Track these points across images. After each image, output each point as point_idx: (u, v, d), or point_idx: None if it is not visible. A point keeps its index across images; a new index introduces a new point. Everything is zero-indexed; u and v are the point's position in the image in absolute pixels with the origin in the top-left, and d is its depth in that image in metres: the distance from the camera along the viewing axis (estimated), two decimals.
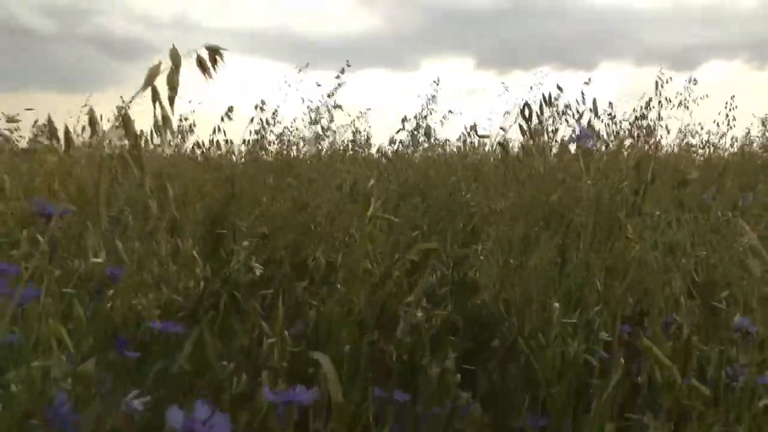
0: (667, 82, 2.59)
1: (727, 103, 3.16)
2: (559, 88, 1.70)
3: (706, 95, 3.32)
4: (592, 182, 1.30)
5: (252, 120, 2.32)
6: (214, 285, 1.43)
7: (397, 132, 2.51)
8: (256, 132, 2.34)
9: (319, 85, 2.74)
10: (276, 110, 2.39)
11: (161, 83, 0.73)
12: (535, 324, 1.25)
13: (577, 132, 1.40)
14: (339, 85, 2.75)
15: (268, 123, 2.33)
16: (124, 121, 0.69)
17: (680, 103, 3.28)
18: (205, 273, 1.47)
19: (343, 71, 2.87)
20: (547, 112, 1.89)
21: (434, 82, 3.12)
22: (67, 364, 0.91)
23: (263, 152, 2.35)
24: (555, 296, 1.24)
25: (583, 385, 1.22)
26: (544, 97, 1.33)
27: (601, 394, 1.17)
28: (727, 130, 3.15)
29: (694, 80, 3.31)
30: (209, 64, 0.77)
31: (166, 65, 0.73)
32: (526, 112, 1.19)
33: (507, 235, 1.61)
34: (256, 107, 2.33)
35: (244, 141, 2.39)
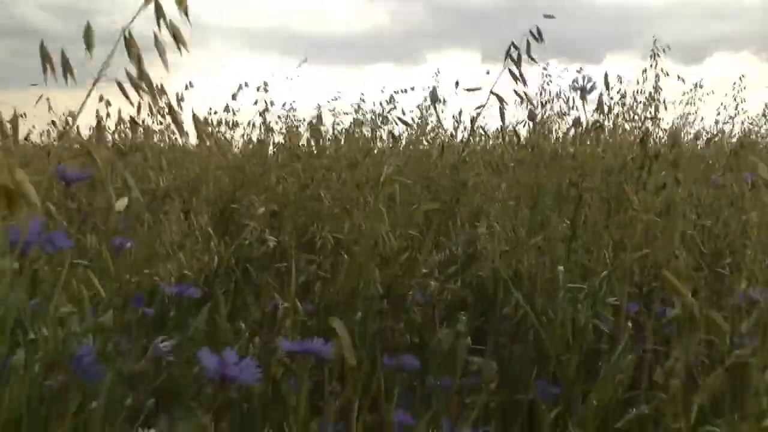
0: (667, 75, 2.59)
1: (735, 83, 3.14)
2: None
3: (712, 91, 3.33)
4: (602, 152, 1.32)
5: (256, 102, 2.35)
6: (227, 259, 1.45)
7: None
8: (261, 113, 2.36)
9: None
10: (273, 102, 2.41)
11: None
12: (544, 294, 1.26)
13: (580, 82, 1.41)
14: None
15: (272, 103, 2.36)
16: (128, 43, 0.66)
17: (687, 102, 3.29)
18: (219, 248, 1.50)
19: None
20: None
21: (435, 74, 3.12)
22: (91, 318, 0.93)
23: (269, 134, 2.37)
24: (564, 265, 1.26)
25: (593, 353, 1.24)
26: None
27: (610, 360, 1.19)
28: (736, 113, 3.13)
29: (701, 84, 3.32)
30: None
31: None
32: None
33: (514, 211, 1.64)
34: (258, 89, 2.36)
35: (249, 123, 2.42)
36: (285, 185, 1.70)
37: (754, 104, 3.70)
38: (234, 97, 2.38)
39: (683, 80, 2.61)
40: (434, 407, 1.14)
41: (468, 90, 1.18)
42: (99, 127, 1.06)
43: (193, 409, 0.98)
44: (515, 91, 1.20)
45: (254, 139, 2.41)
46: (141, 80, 0.68)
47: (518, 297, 1.21)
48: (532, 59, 1.22)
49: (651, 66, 2.29)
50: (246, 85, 2.37)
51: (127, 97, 0.70)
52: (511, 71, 1.21)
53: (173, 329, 1.14)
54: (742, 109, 3.11)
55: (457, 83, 1.18)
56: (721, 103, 3.18)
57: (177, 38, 0.70)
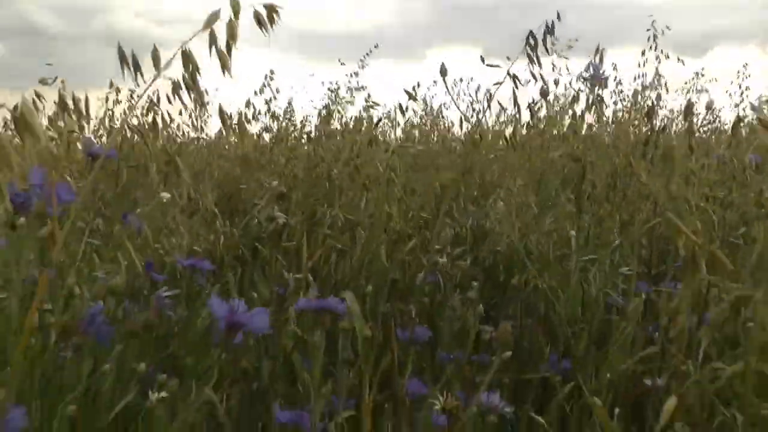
0: (667, 57, 2.55)
1: (739, 71, 3.12)
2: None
3: (716, 79, 3.31)
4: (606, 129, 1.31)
5: (262, 90, 2.36)
6: (234, 238, 1.44)
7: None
8: (266, 102, 2.38)
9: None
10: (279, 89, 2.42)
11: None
12: (555, 267, 1.26)
13: (591, 70, 1.41)
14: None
15: (278, 91, 2.37)
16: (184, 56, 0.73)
17: (688, 91, 3.28)
18: (225, 228, 1.49)
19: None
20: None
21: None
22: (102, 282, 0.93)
23: (273, 121, 2.38)
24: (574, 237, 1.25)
25: (605, 325, 1.23)
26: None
27: (621, 331, 1.18)
28: (740, 100, 3.11)
29: (702, 73, 3.31)
30: (266, 20, 0.80)
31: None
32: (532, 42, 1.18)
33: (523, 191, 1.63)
34: (265, 77, 2.36)
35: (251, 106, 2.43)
36: (294, 165, 1.70)
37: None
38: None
39: (683, 62, 2.58)
40: (446, 376, 1.13)
41: (489, 66, 1.19)
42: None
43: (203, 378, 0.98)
44: (531, 72, 1.21)
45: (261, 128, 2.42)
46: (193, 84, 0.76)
47: (530, 266, 1.21)
48: (546, 49, 1.24)
49: (650, 48, 2.26)
50: (271, 78, 2.37)
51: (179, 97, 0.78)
52: (528, 55, 1.22)
53: (185, 301, 1.14)
54: (747, 96, 3.09)
55: (482, 58, 1.18)
56: (726, 91, 3.17)
57: (223, 63, 0.78)
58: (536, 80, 1.19)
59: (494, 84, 1.20)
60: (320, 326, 0.88)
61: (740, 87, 3.07)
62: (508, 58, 1.18)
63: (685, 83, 3.28)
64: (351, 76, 2.62)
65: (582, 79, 1.61)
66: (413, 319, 1.43)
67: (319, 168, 1.61)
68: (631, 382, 1.24)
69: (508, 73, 1.18)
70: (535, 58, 1.16)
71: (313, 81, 2.97)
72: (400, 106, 1.28)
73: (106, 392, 0.90)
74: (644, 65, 2.35)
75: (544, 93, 1.40)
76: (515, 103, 1.19)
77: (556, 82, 1.89)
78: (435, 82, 3.19)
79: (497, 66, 1.18)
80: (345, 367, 1.08)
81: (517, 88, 1.17)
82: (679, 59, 2.52)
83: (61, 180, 0.83)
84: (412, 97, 1.24)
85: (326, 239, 1.42)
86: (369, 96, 2.40)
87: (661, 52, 2.25)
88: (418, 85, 2.80)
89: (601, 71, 1.61)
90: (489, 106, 1.21)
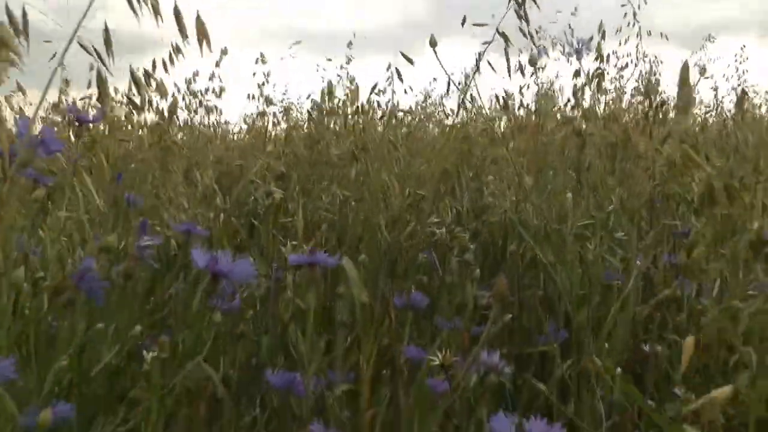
0: (649, 34, 2.50)
1: (736, 54, 3.11)
2: None
3: (712, 75, 3.31)
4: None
5: (254, 74, 2.36)
6: (232, 214, 1.43)
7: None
8: (260, 85, 2.37)
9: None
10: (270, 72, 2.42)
11: None
12: (553, 235, 1.24)
13: (575, 45, 1.40)
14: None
15: (269, 74, 2.37)
16: None
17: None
18: (224, 205, 1.49)
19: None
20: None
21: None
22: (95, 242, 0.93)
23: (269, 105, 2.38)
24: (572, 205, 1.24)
25: (604, 289, 1.22)
26: None
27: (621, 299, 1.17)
28: (738, 84, 3.10)
29: (703, 66, 3.30)
30: None
31: None
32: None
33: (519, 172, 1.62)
34: (257, 61, 2.36)
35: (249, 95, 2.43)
36: (293, 144, 1.69)
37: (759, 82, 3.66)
38: (218, 63, 2.36)
39: (666, 37, 2.54)
40: (442, 339, 1.12)
41: (475, 25, 1.18)
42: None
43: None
44: (520, 29, 1.19)
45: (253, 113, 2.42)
46: None
47: (526, 237, 1.20)
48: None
49: (629, 25, 2.21)
50: (263, 61, 2.36)
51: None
52: (516, 11, 1.21)
53: (180, 269, 1.13)
54: (745, 80, 3.08)
55: (464, 18, 1.17)
56: (723, 75, 3.15)
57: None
58: (526, 37, 1.18)
59: (483, 43, 1.19)
60: (313, 284, 0.87)
61: (737, 70, 3.05)
62: (493, 16, 1.16)
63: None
64: (340, 68, 2.62)
65: (568, 54, 1.60)
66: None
67: (320, 145, 1.60)
68: (631, 351, 1.23)
69: (497, 31, 1.17)
70: (522, 14, 1.15)
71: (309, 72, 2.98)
72: (397, 70, 1.27)
73: (100, 350, 0.89)
74: (625, 42, 2.30)
75: (533, 61, 1.39)
76: (507, 63, 1.18)
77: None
78: (435, 78, 3.21)
79: (484, 24, 1.17)
80: (342, 331, 1.07)
81: (507, 46, 1.16)
82: (662, 35, 2.49)
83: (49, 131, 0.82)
84: (408, 59, 1.23)
85: (322, 212, 1.41)
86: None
87: (640, 29, 2.21)
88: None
89: (585, 46, 1.60)
90: (478, 69, 1.20)
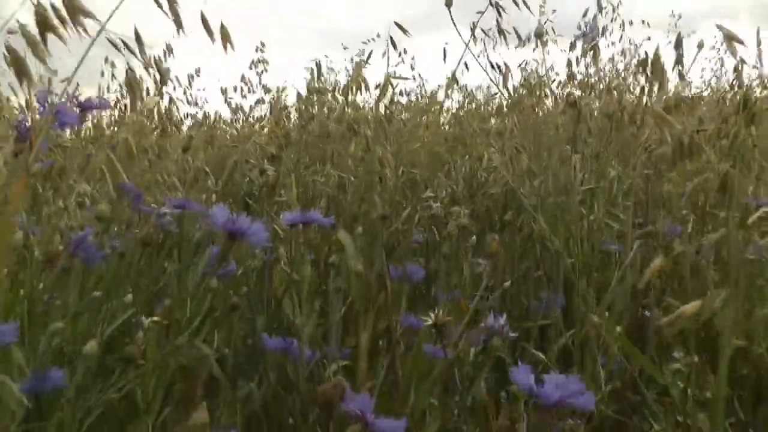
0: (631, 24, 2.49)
1: (714, 36, 3.08)
2: None
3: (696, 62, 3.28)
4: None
5: (252, 62, 2.36)
6: (226, 195, 1.43)
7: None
8: (258, 75, 2.37)
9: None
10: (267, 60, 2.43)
11: None
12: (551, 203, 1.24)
13: (584, 27, 1.40)
14: None
15: (267, 62, 2.37)
16: None
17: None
18: (217, 188, 1.48)
19: None
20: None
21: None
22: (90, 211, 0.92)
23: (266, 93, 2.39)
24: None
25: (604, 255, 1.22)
26: None
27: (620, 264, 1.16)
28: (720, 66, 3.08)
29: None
30: None
31: None
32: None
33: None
34: (257, 49, 2.36)
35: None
36: (285, 125, 1.68)
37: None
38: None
39: (648, 24, 2.54)
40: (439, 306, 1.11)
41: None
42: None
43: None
44: (514, 1, 1.19)
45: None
46: None
47: (527, 206, 1.19)
48: None
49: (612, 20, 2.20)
50: (262, 50, 2.37)
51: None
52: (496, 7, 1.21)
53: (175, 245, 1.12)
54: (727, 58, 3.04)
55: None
56: (705, 57, 3.12)
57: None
58: (518, 7, 1.17)
59: (476, 12, 1.18)
60: (307, 244, 0.86)
61: (719, 52, 3.01)
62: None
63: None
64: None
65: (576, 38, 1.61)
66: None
67: (311, 125, 1.60)
68: (631, 318, 1.23)
69: (490, 3, 1.16)
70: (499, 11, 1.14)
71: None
72: (391, 38, 1.26)
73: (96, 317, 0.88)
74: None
75: (539, 32, 1.38)
76: (500, 30, 1.17)
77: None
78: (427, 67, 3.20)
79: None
80: (338, 298, 1.07)
81: (500, 17, 1.15)
82: (643, 22, 2.49)
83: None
84: (402, 30, 1.22)
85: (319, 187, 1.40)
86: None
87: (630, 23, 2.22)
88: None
89: (592, 27, 1.61)
90: (473, 35, 1.19)
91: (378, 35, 2.86)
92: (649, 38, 2.39)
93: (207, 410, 1.03)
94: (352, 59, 2.46)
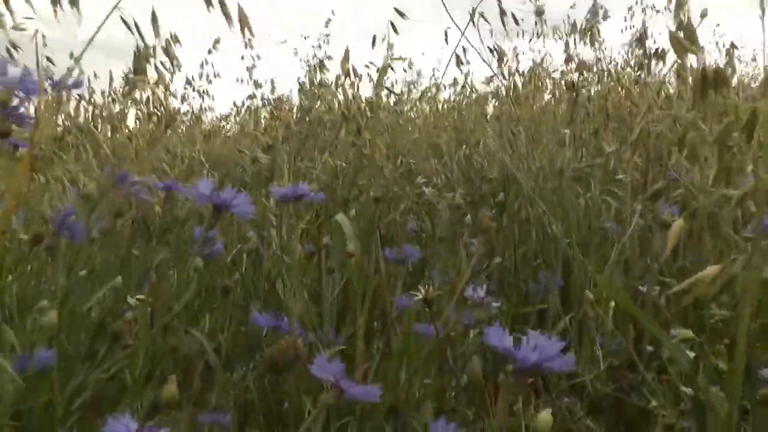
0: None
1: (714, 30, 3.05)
2: None
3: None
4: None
5: (243, 57, 2.37)
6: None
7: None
8: (248, 69, 2.38)
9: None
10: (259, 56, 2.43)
11: None
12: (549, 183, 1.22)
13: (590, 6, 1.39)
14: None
15: (259, 57, 2.38)
16: None
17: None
18: (213, 179, 1.47)
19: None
20: None
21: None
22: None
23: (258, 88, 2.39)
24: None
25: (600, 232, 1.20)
26: None
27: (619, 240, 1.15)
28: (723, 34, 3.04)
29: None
30: None
31: None
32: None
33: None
34: (246, 45, 2.36)
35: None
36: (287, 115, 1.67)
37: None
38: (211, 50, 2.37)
39: (670, 9, 2.51)
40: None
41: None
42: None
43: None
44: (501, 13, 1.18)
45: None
46: None
47: (526, 188, 1.18)
48: None
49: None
50: (251, 46, 2.37)
51: None
52: None
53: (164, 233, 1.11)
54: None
55: None
56: (708, 41, 3.08)
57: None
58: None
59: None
60: (301, 220, 0.85)
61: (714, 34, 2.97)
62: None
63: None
64: (317, 47, 2.62)
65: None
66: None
67: (310, 116, 1.59)
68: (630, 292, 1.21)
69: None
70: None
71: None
72: (391, 23, 1.24)
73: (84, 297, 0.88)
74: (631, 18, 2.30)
75: (539, 11, 1.37)
76: (502, 12, 1.16)
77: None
78: (423, 53, 3.20)
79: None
80: (330, 280, 1.06)
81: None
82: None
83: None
84: (400, 14, 1.21)
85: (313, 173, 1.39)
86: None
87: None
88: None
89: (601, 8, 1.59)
90: (471, 21, 1.17)
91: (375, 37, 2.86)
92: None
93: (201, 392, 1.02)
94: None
